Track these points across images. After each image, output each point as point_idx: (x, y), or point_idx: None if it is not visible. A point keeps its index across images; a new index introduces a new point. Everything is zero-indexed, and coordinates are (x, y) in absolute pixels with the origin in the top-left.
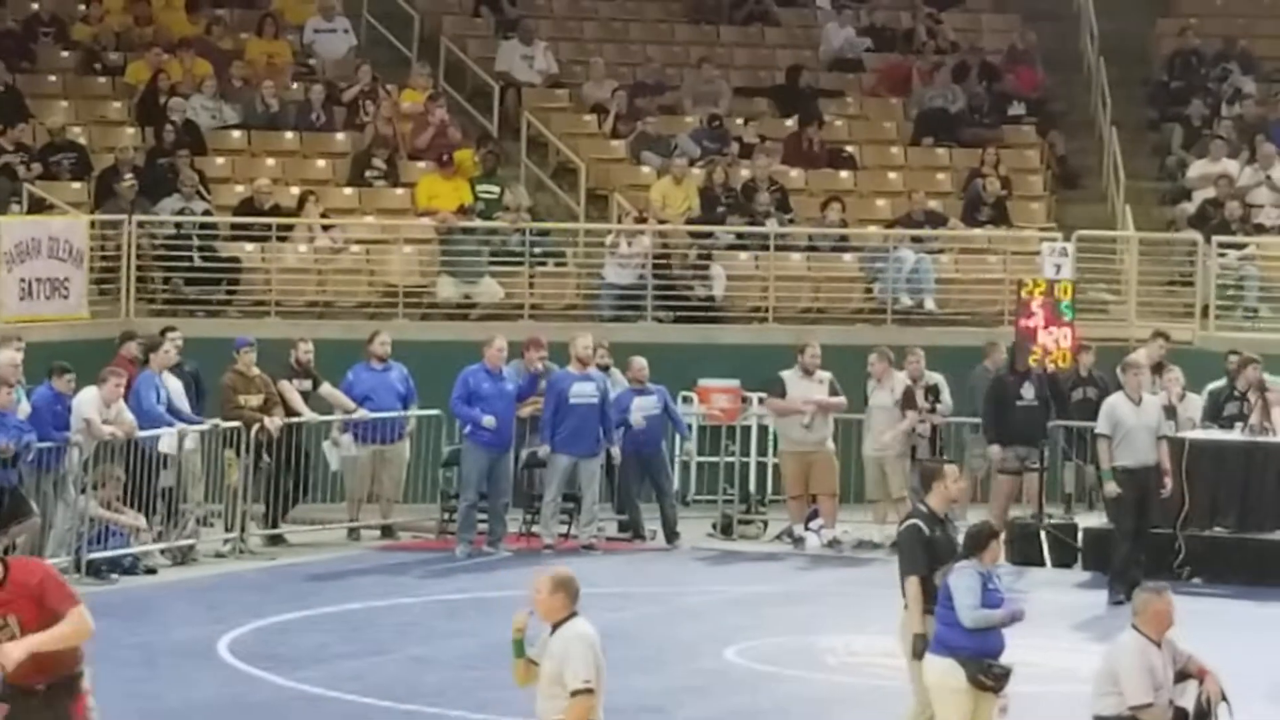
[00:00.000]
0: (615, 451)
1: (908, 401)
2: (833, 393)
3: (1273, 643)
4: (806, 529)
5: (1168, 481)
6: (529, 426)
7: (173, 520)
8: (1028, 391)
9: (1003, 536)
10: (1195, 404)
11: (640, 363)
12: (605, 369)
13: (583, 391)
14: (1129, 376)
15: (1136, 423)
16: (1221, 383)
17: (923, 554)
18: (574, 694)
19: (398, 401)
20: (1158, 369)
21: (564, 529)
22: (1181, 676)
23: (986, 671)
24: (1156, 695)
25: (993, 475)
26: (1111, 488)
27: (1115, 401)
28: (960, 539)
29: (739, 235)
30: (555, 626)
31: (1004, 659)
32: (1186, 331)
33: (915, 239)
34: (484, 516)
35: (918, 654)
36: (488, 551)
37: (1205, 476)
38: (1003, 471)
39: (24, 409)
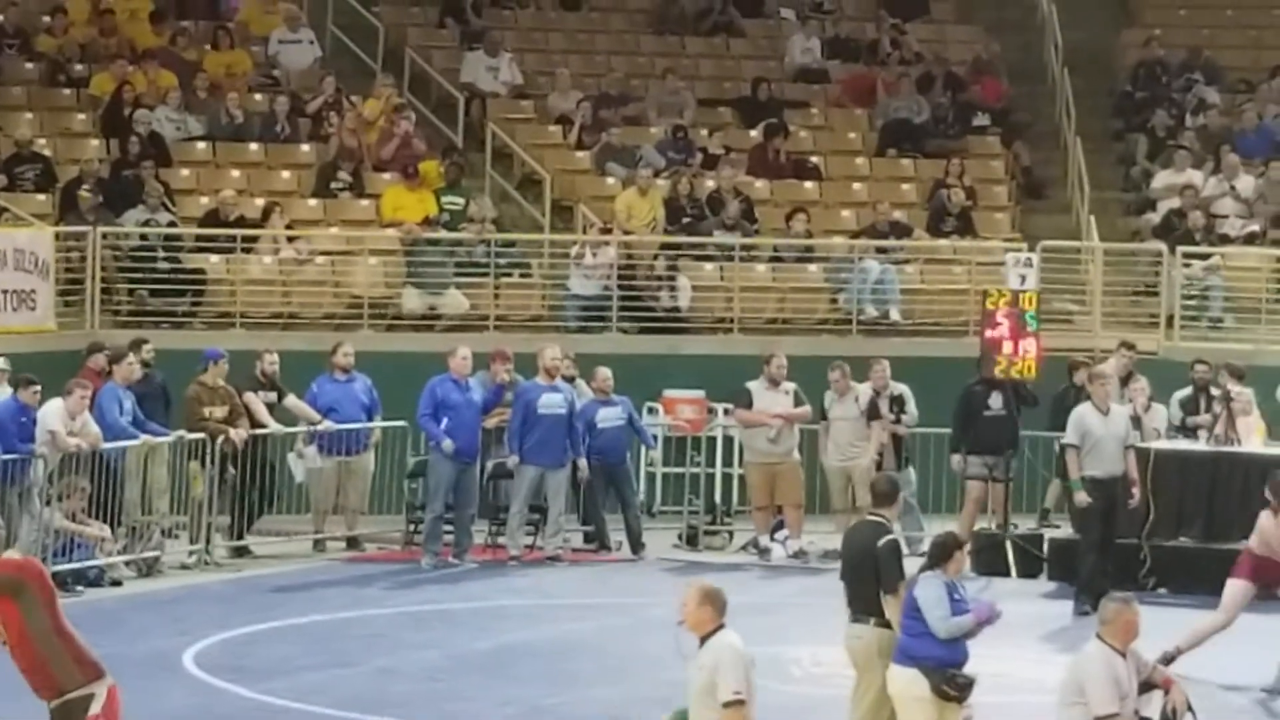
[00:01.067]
0: (583, 465)
1: (873, 412)
2: (798, 403)
3: (1238, 653)
4: (772, 540)
5: (1135, 492)
6: (494, 438)
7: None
8: (995, 401)
9: (967, 547)
10: (1160, 414)
11: (605, 373)
12: (571, 380)
13: (551, 402)
14: (1096, 387)
15: (1104, 433)
16: (1188, 391)
17: (900, 566)
18: (726, 705)
19: (362, 413)
20: (1124, 379)
21: (530, 540)
22: (1147, 686)
23: (950, 681)
24: (1121, 705)
25: (962, 484)
26: (1081, 497)
27: (1083, 411)
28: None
29: (703, 246)
30: (704, 639)
31: (969, 669)
32: (1151, 342)
33: (880, 249)
34: (450, 528)
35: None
36: (453, 563)
37: (1171, 487)
38: (969, 478)
39: None
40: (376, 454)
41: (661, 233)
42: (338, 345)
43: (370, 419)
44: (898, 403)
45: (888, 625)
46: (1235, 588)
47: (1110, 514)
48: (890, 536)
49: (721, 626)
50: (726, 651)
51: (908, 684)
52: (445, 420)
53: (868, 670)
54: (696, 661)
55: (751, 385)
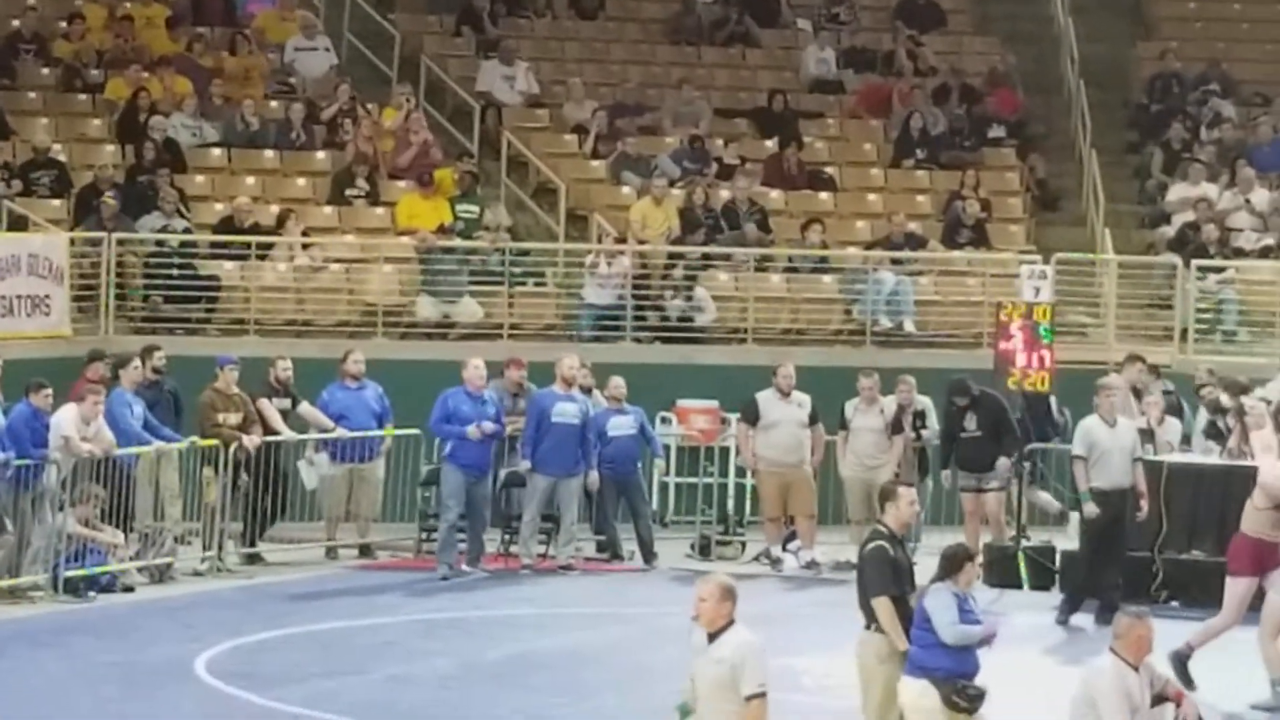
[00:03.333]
0: (594, 476)
1: (897, 426)
2: (813, 417)
3: (1249, 667)
4: (784, 550)
5: (1143, 504)
6: (506, 446)
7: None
8: (970, 423)
9: (979, 559)
10: (1174, 428)
11: (618, 382)
12: (588, 391)
13: (565, 411)
14: (1103, 398)
15: (1111, 445)
16: (1204, 418)
17: (891, 573)
18: (751, 698)
19: (373, 420)
20: (1136, 393)
21: (542, 549)
22: (1159, 700)
23: (960, 692)
24: (1134, 718)
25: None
26: (1089, 509)
27: (1090, 424)
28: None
29: (717, 257)
30: (716, 634)
31: (979, 681)
32: (1165, 355)
33: (895, 261)
34: (462, 537)
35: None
36: (467, 571)
37: (1183, 500)
38: (961, 491)
39: None
40: (388, 462)
41: (676, 242)
42: (348, 353)
43: (381, 426)
44: (920, 417)
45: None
46: (1238, 585)
47: (1116, 526)
48: (876, 543)
49: (734, 622)
50: (749, 646)
51: (918, 695)
52: (457, 425)
53: (868, 677)
54: (710, 655)
55: (760, 396)
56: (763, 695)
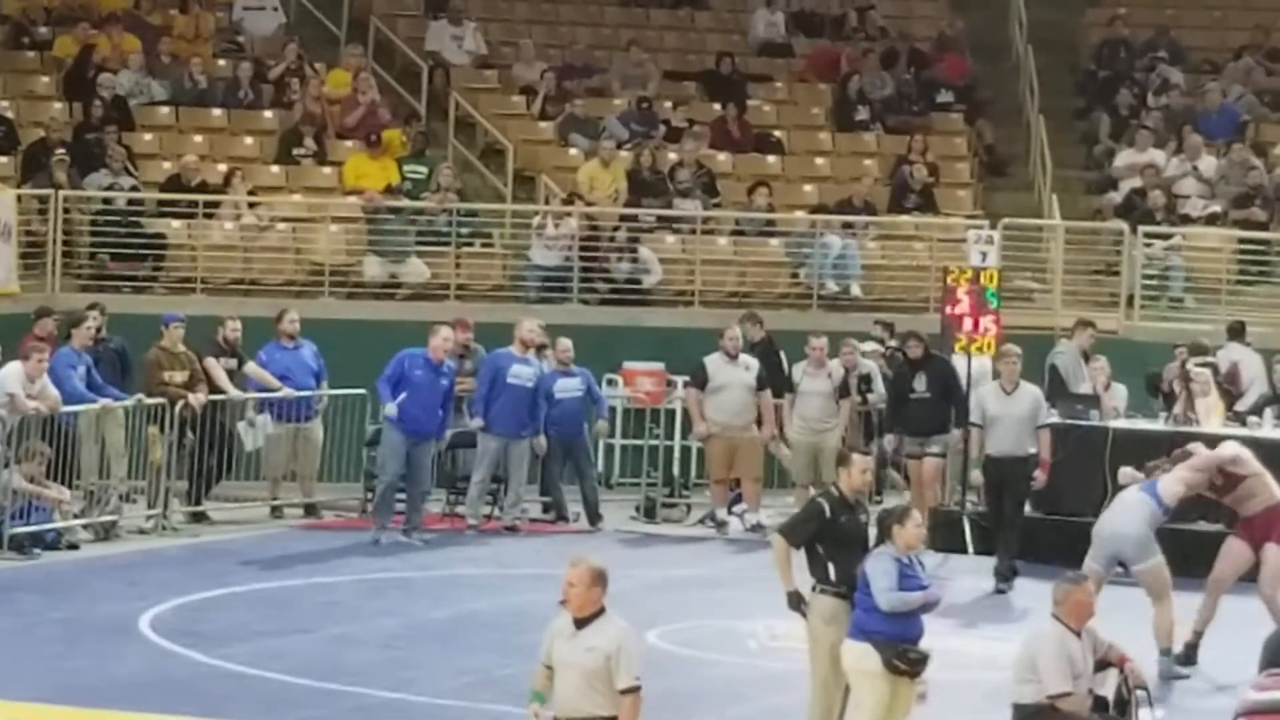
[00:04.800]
0: (541, 442)
1: (844, 389)
2: (760, 382)
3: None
4: (730, 513)
5: (1039, 474)
6: (454, 407)
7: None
8: (919, 384)
9: (916, 521)
10: (1120, 393)
11: (566, 344)
12: (541, 349)
13: (520, 374)
14: (1003, 365)
15: (1003, 412)
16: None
17: (806, 526)
18: (627, 691)
19: (311, 379)
20: (1085, 358)
21: (488, 510)
22: (1102, 665)
23: (901, 656)
24: (1076, 684)
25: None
26: (975, 475)
27: (984, 392)
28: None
29: (664, 219)
30: (586, 620)
31: (923, 645)
32: (1112, 321)
33: (843, 224)
34: (401, 499)
35: (792, 607)
36: (403, 540)
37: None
38: (909, 457)
39: None
40: (326, 421)
41: (623, 205)
42: (283, 312)
43: (318, 385)
44: (865, 381)
45: (830, 593)
46: (1230, 546)
47: (1007, 492)
48: (815, 498)
49: (604, 609)
50: (626, 636)
51: (859, 657)
52: (404, 394)
53: (815, 637)
54: (580, 642)
55: (708, 360)
56: (638, 689)
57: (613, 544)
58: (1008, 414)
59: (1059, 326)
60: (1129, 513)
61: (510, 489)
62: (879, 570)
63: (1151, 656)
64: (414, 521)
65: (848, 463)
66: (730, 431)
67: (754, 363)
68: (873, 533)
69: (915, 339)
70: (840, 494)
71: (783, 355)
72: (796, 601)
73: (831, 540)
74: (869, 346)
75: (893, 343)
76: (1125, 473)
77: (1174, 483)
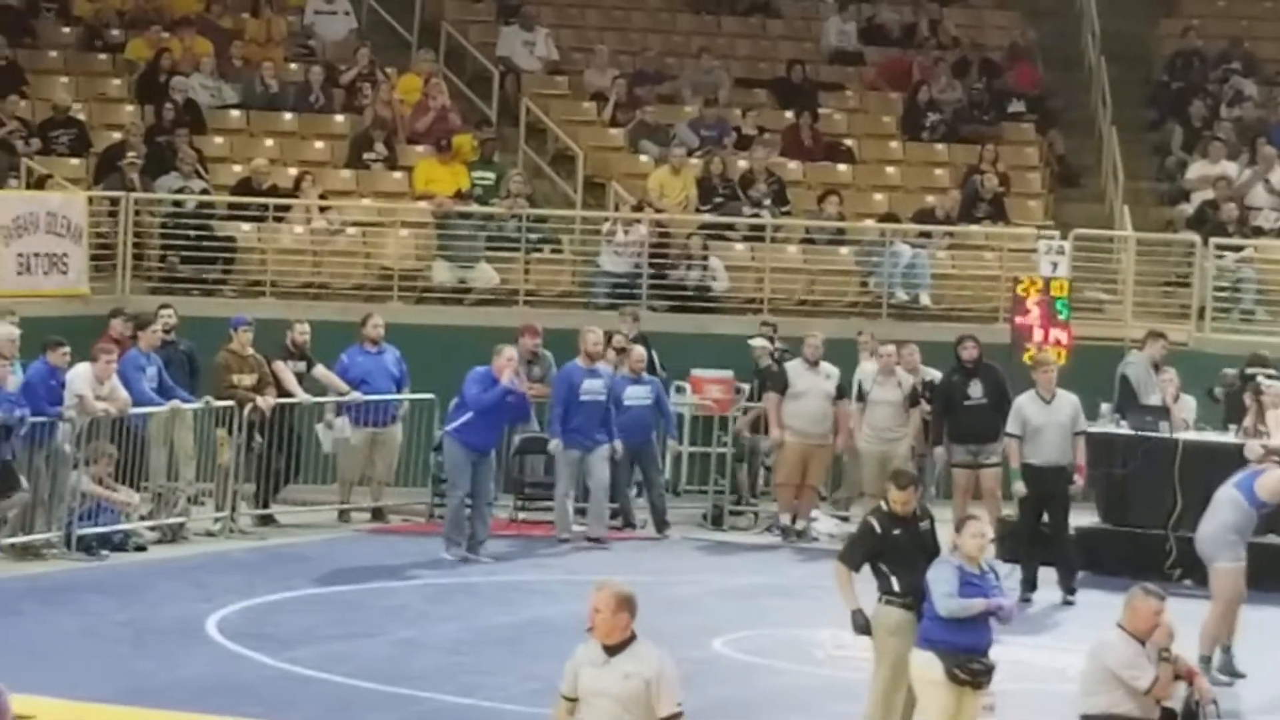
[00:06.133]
0: (618, 447)
1: (914, 398)
2: (840, 392)
3: (1263, 646)
4: (811, 520)
5: (1079, 479)
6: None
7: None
8: (974, 390)
9: (973, 531)
10: (1189, 405)
11: (640, 353)
12: (621, 351)
13: (592, 388)
14: (1040, 375)
15: (1043, 421)
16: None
17: (860, 547)
18: (671, 718)
19: (392, 384)
20: (1156, 369)
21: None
22: (1172, 678)
23: (964, 666)
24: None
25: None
26: (1018, 487)
27: (1022, 401)
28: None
29: (735, 226)
30: (618, 647)
31: (990, 656)
32: (1182, 333)
33: (914, 234)
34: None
35: (859, 629)
36: (470, 557)
37: (1198, 478)
38: (955, 466)
39: (13, 382)
40: (404, 426)
41: (693, 212)
42: (367, 317)
43: (400, 391)
44: (928, 387)
45: (896, 604)
46: None
47: (1053, 502)
48: (866, 517)
49: (635, 635)
50: (668, 662)
51: (924, 667)
52: (470, 414)
53: (879, 649)
54: (615, 669)
55: (790, 366)
56: (681, 715)
57: (680, 551)
58: (1049, 423)
59: (1129, 338)
60: (1211, 512)
61: (593, 501)
62: (939, 577)
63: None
64: (480, 536)
65: (890, 486)
66: (806, 439)
67: (834, 371)
68: (944, 539)
69: (972, 341)
70: (890, 509)
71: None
72: (862, 623)
73: (889, 555)
74: (758, 343)
75: (780, 343)
76: (1251, 447)
77: (1274, 480)
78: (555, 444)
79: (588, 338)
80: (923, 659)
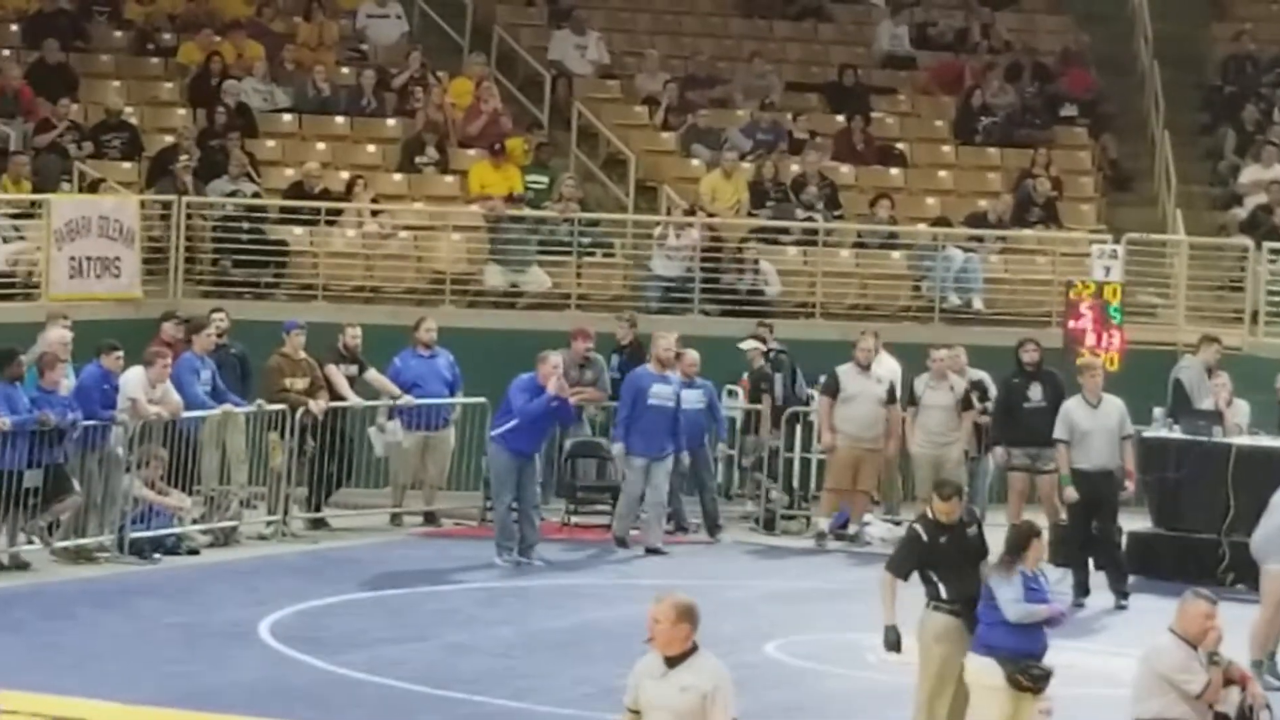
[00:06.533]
0: (685, 458)
1: (967, 402)
2: (891, 396)
3: None
4: (863, 525)
5: (1129, 484)
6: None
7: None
8: (1035, 393)
9: (1045, 538)
10: (1243, 410)
11: (693, 356)
12: (677, 357)
13: (661, 393)
14: (1086, 379)
15: (1091, 425)
16: None
17: (907, 556)
18: None
19: (444, 388)
20: (1210, 373)
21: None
22: (1224, 683)
23: (1024, 672)
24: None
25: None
26: (1069, 492)
27: (1069, 406)
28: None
29: (787, 230)
30: (678, 658)
31: (1046, 661)
32: (1236, 338)
33: (966, 238)
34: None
35: (889, 645)
36: (522, 561)
37: (1252, 483)
38: (1012, 469)
39: (66, 385)
40: (457, 430)
41: (745, 216)
42: (420, 321)
43: (452, 395)
44: (978, 389)
45: (944, 610)
46: None
47: (1103, 506)
48: (912, 525)
49: (697, 646)
50: (722, 675)
51: (983, 672)
52: (515, 420)
53: (925, 655)
54: (673, 682)
55: (841, 370)
56: None
57: (732, 555)
58: (1098, 427)
59: (1182, 342)
60: (1268, 515)
61: (650, 513)
62: (1004, 582)
63: None
64: (530, 539)
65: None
66: (857, 443)
67: (886, 375)
68: (993, 544)
69: (1033, 344)
70: (932, 517)
71: (798, 369)
72: (894, 639)
73: (937, 563)
74: (749, 345)
75: (774, 343)
76: None
77: None
78: (618, 447)
79: (659, 343)
80: (982, 664)
